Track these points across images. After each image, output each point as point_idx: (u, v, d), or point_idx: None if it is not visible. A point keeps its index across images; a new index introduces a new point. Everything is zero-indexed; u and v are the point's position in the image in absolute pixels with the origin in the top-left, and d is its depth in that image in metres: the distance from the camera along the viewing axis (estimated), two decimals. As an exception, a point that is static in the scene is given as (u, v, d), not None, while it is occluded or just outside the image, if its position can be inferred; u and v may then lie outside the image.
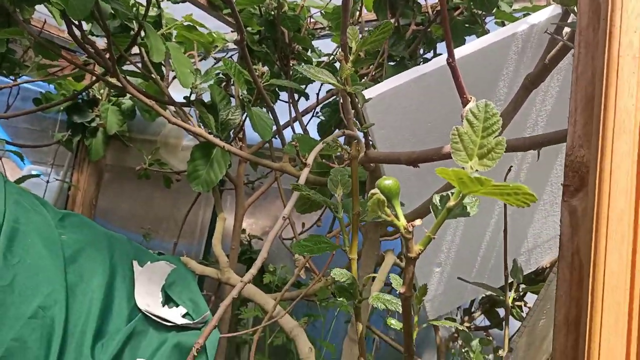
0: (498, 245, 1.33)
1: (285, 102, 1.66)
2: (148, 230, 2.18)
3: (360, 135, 0.99)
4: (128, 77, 1.48)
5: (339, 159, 1.22)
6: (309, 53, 1.72)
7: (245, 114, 1.44)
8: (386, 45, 1.51)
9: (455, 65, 0.78)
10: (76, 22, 1.35)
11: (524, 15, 1.33)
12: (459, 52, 1.02)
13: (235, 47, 1.80)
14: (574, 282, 0.49)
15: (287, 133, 1.58)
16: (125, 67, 1.59)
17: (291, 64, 1.67)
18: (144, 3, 1.42)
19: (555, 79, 1.15)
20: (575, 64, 0.52)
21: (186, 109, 1.60)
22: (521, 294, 1.38)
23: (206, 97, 1.50)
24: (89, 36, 1.44)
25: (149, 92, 1.54)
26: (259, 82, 1.37)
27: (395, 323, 0.64)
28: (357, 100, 0.93)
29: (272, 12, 1.57)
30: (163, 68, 1.67)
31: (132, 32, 1.50)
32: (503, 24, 1.45)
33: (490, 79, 1.11)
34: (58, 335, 1.08)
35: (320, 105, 1.68)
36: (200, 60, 1.77)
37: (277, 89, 1.65)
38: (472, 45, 1.08)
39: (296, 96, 1.68)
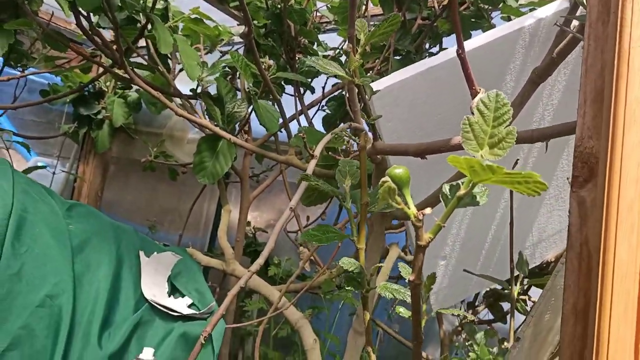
0: (502, 240, 1.33)
1: (291, 95, 1.67)
2: (153, 222, 2.18)
3: (367, 127, 0.99)
4: (135, 70, 1.49)
5: (344, 152, 1.23)
6: (314, 46, 1.72)
7: (251, 106, 1.45)
8: (392, 40, 1.52)
9: (464, 57, 0.78)
10: (84, 14, 1.35)
11: (530, 10, 1.33)
12: (467, 46, 1.02)
13: (241, 40, 1.80)
14: (582, 272, 0.49)
15: (293, 126, 1.58)
16: (132, 60, 1.60)
17: (297, 58, 1.67)
18: (151, -5, 1.42)
19: (562, 72, 1.15)
20: (585, 57, 0.52)
21: (192, 101, 1.61)
22: (525, 287, 1.39)
23: (212, 90, 1.50)
24: (97, 28, 1.44)
25: (156, 84, 1.55)
26: (266, 75, 1.37)
27: (404, 311, 0.65)
28: (364, 92, 0.94)
29: (279, 6, 1.57)
30: (169, 61, 1.68)
31: (139, 25, 1.51)
32: (509, 19, 1.45)
33: (498, 72, 1.11)
34: (65, 324, 1.08)
35: (326, 99, 1.69)
36: (206, 54, 1.77)
37: (283, 82, 1.66)
38: (479, 39, 1.08)
39: (302, 90, 1.68)
